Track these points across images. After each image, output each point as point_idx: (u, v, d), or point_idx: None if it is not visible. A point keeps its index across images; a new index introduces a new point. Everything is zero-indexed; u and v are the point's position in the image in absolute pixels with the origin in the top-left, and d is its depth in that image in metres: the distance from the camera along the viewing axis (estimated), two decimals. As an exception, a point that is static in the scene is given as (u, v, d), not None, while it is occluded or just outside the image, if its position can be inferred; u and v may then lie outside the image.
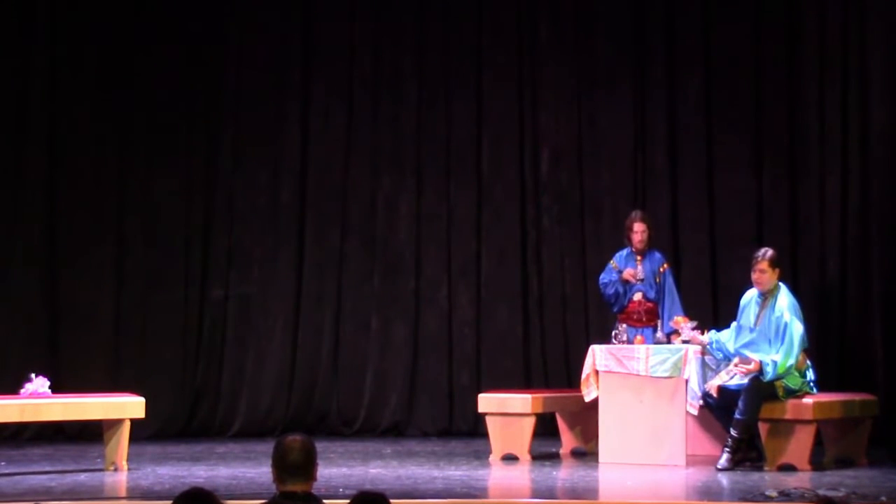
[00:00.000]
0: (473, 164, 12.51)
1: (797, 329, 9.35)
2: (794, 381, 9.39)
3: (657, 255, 10.72)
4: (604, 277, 10.73)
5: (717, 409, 9.53)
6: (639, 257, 10.66)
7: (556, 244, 12.34)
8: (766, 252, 9.65)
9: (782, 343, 9.34)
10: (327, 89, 12.55)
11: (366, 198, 12.53)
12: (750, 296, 9.70)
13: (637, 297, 10.59)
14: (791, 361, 9.31)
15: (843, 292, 11.28)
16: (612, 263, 10.73)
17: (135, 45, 12.05)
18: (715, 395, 9.44)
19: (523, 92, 12.42)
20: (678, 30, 12.05)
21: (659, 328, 10.44)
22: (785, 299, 9.49)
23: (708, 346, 9.66)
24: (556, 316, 12.25)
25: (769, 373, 9.28)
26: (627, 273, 10.60)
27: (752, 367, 9.34)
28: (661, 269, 10.64)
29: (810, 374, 9.55)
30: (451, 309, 12.42)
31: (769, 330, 9.44)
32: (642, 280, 10.60)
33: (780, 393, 9.34)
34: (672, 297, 10.57)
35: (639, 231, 10.60)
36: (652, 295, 10.59)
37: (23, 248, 11.77)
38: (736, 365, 9.45)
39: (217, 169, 12.36)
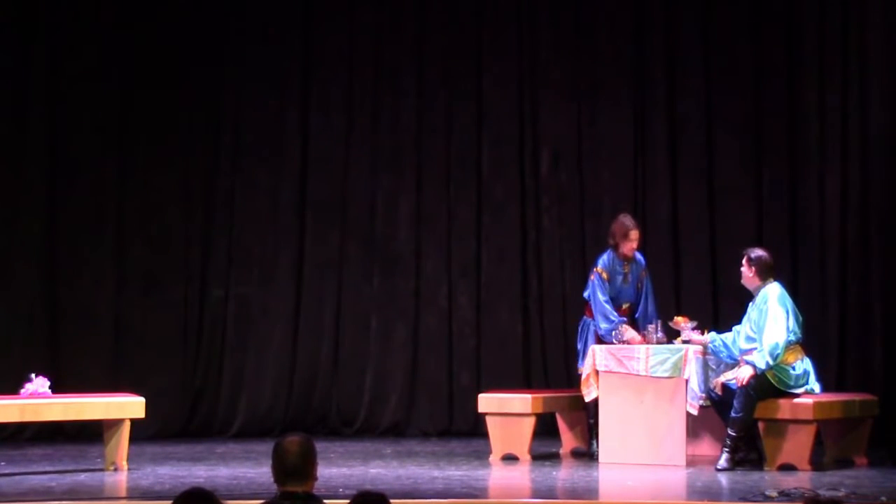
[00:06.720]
0: (473, 164, 12.50)
1: (778, 313, 9.27)
2: (786, 376, 9.35)
3: (639, 258, 10.44)
4: (605, 330, 10.11)
5: (720, 404, 9.52)
6: (626, 264, 10.32)
7: (556, 244, 12.34)
8: (751, 252, 9.62)
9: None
10: (327, 89, 12.55)
11: (366, 198, 12.53)
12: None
13: (625, 307, 10.40)
14: (775, 344, 9.22)
15: (843, 292, 11.28)
16: (599, 270, 10.24)
17: (135, 45, 12.05)
18: (719, 392, 9.44)
19: (523, 92, 12.41)
20: (678, 30, 12.04)
21: (650, 330, 10.11)
22: (773, 292, 9.43)
23: (709, 346, 9.65)
24: (556, 316, 12.24)
25: (760, 368, 9.25)
26: (630, 339, 10.00)
27: (743, 378, 9.28)
28: (643, 274, 10.46)
29: (802, 366, 9.45)
30: (451, 309, 12.42)
31: (759, 326, 9.42)
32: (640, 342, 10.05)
33: (775, 382, 9.29)
34: (650, 299, 10.35)
35: (634, 239, 10.27)
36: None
37: (23, 249, 11.77)
38: (738, 366, 9.45)
39: (217, 169, 12.36)
